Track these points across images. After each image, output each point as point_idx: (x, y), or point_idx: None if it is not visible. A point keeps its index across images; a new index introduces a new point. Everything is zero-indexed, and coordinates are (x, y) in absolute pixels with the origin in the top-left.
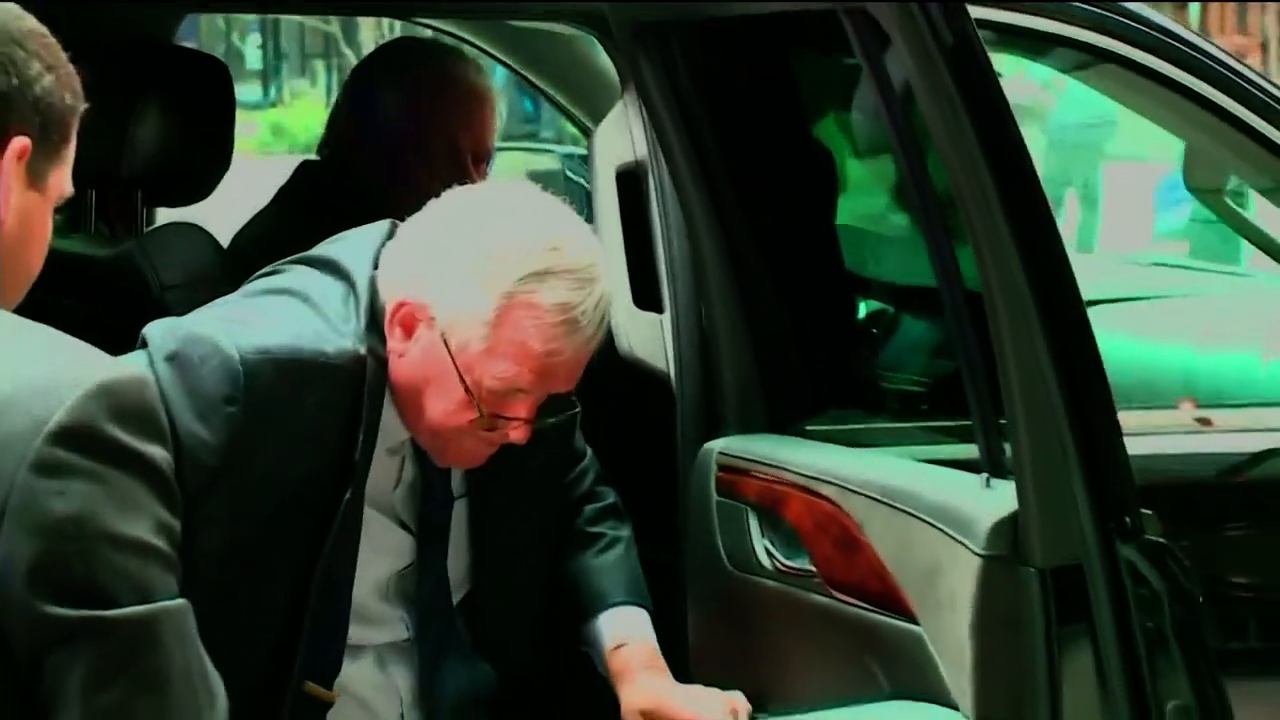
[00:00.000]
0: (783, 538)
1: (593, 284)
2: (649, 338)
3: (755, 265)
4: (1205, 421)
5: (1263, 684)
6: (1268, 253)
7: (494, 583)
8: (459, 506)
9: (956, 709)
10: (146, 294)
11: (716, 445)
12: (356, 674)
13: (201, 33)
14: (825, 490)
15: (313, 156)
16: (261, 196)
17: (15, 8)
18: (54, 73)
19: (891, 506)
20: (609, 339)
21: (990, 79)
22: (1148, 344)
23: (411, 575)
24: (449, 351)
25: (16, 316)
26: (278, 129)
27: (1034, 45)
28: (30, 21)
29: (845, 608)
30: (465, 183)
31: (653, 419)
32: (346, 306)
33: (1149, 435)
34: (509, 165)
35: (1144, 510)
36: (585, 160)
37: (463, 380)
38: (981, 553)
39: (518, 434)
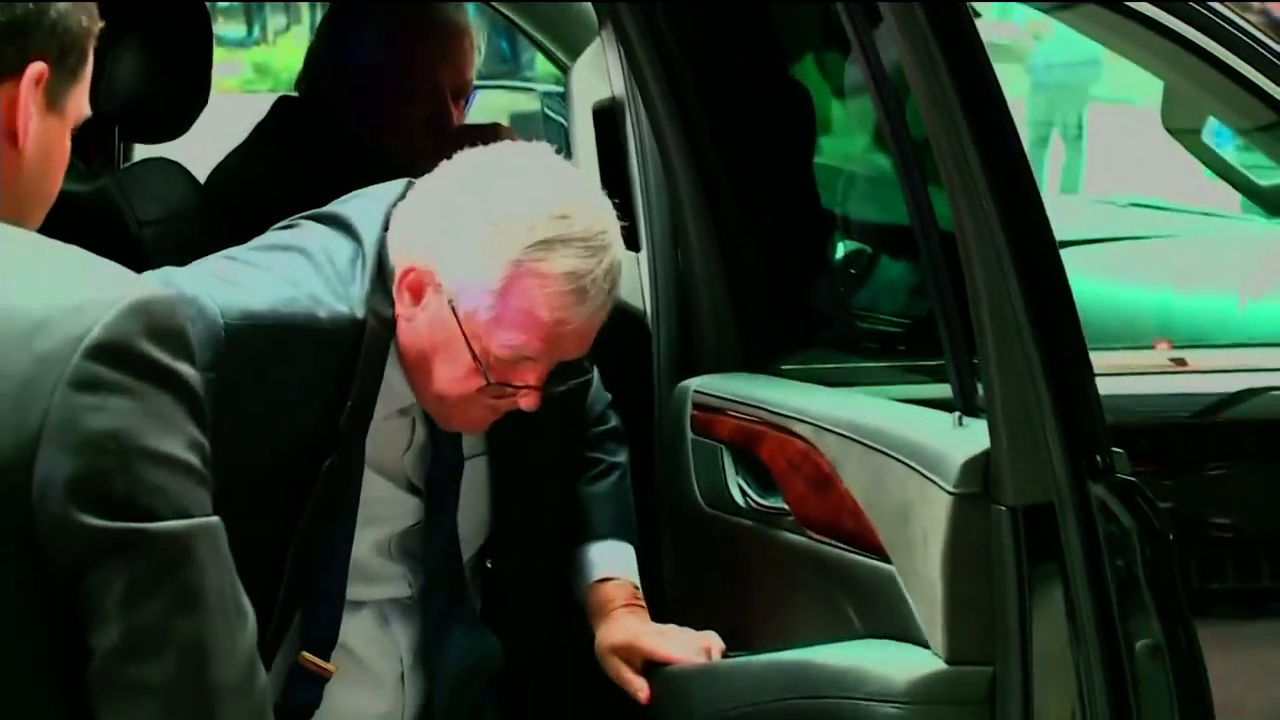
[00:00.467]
0: (757, 476)
1: (603, 252)
2: (626, 276)
3: (732, 204)
4: (1180, 362)
5: (1238, 626)
6: (1244, 193)
7: (509, 541)
8: (474, 465)
9: (928, 647)
10: (124, 230)
11: (692, 384)
12: (354, 631)
13: None
14: (799, 429)
15: (292, 93)
16: (245, 136)
17: None
18: None
19: (864, 445)
20: None
21: (965, 19)
22: (1125, 285)
23: (416, 534)
24: (457, 319)
25: (42, 237)
26: (262, 68)
27: None
28: None
29: (818, 546)
30: (444, 119)
31: (629, 357)
32: (353, 268)
33: (1125, 376)
34: (489, 104)
35: (1115, 449)
36: (564, 98)
37: (470, 348)
38: (953, 491)
39: (527, 401)
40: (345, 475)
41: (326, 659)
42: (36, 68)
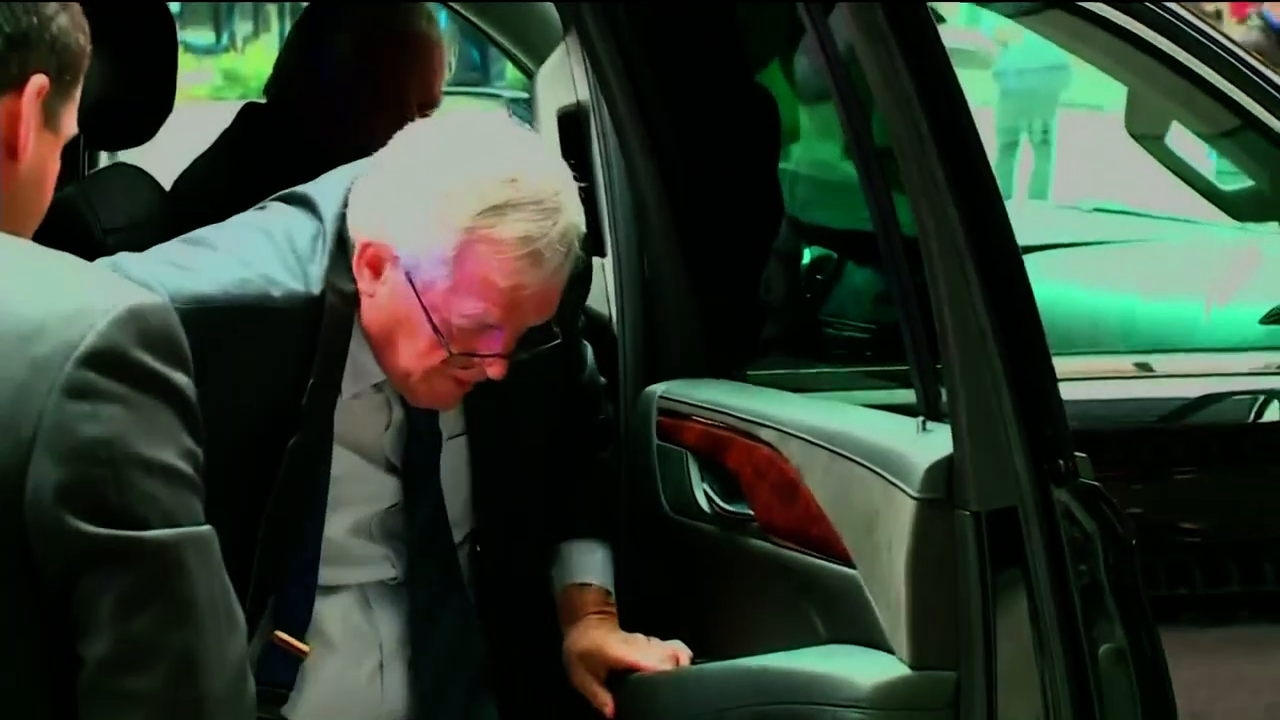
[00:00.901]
0: (722, 483)
1: (556, 214)
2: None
3: (697, 210)
4: (1146, 368)
5: (1205, 633)
6: (1210, 199)
7: (492, 524)
8: (459, 444)
9: (893, 653)
10: (89, 237)
11: (657, 389)
12: (331, 616)
13: None
14: (764, 435)
15: (259, 100)
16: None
17: None
18: (68, 12)
19: (829, 451)
20: None
21: (927, 24)
22: (1090, 291)
23: (397, 515)
24: (415, 292)
25: (38, 245)
26: (231, 75)
27: None
28: None
29: (784, 553)
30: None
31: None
32: (314, 246)
33: (1090, 381)
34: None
35: (1078, 454)
36: (529, 105)
37: (430, 320)
38: (917, 496)
39: (494, 370)
40: (312, 454)
41: (301, 639)
42: (38, 81)
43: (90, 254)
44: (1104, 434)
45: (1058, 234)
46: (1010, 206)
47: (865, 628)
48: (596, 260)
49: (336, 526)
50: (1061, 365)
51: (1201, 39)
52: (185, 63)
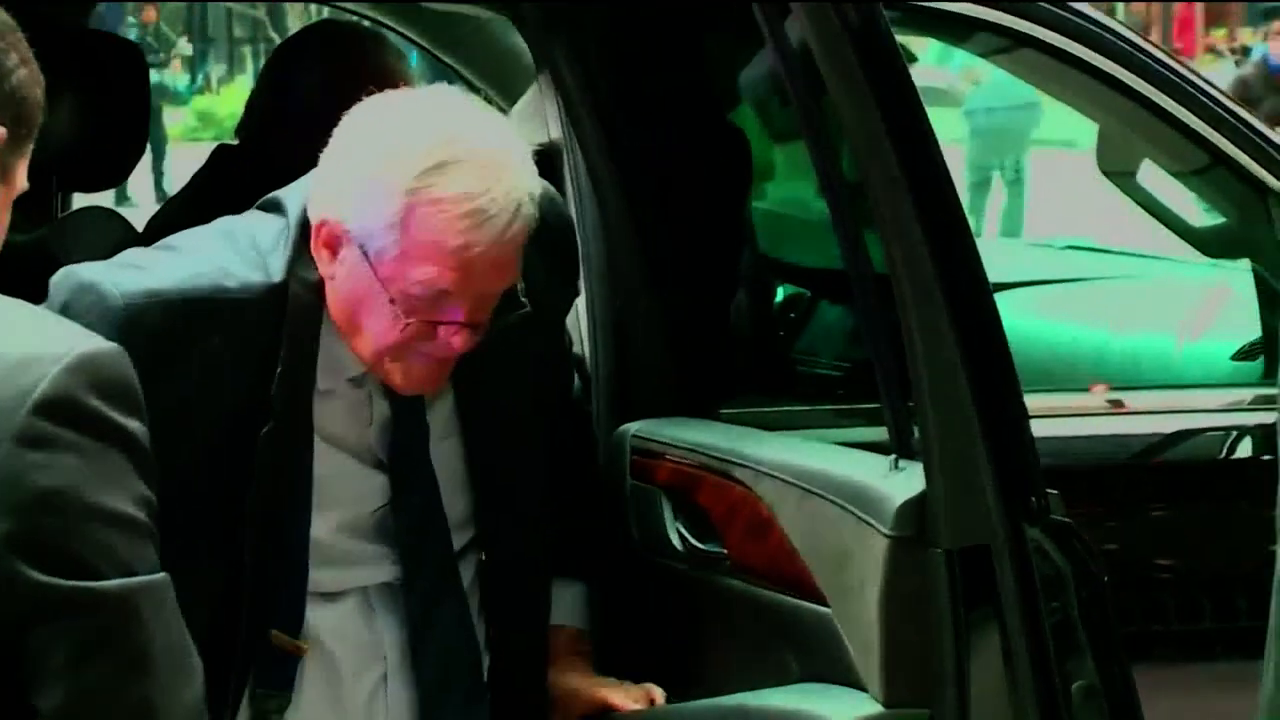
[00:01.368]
0: (695, 521)
1: (499, 170)
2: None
3: (669, 249)
4: (1118, 404)
5: (1176, 669)
6: (1180, 235)
7: (500, 526)
8: (452, 445)
9: (866, 691)
10: None
11: (631, 428)
12: (329, 626)
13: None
14: (737, 473)
15: (231, 141)
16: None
17: None
18: (27, 67)
19: (801, 489)
20: None
21: (897, 62)
22: (1062, 327)
23: (387, 513)
24: (369, 264)
25: None
26: (205, 115)
27: (954, 30)
28: (3, 14)
29: (757, 592)
30: None
31: None
32: (277, 240)
33: (1063, 418)
34: None
35: (1050, 491)
36: None
37: (387, 291)
38: (889, 534)
39: (459, 340)
40: (287, 446)
41: (296, 636)
42: None
43: None
44: (1076, 471)
45: (1031, 271)
46: (983, 244)
47: (838, 666)
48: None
49: (327, 526)
50: (1034, 402)
51: (1173, 77)
52: (162, 107)
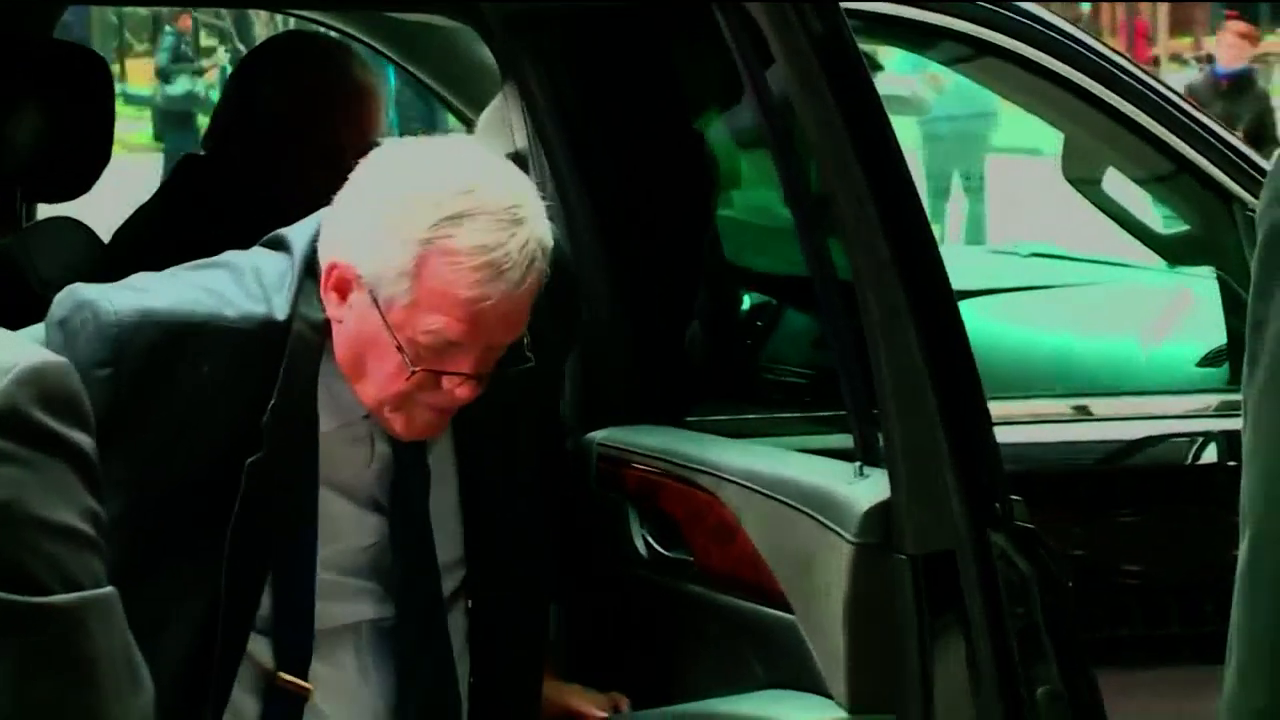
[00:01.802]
0: (661, 528)
1: (516, 226)
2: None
3: (635, 256)
4: (1083, 410)
5: (1143, 674)
6: (1145, 242)
7: (488, 572)
8: (449, 485)
9: (830, 697)
10: (26, 289)
11: (596, 436)
12: (324, 678)
13: (93, 29)
14: (702, 480)
15: (198, 151)
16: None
17: None
18: None
19: (766, 496)
20: None
21: (860, 69)
22: (1027, 334)
23: (382, 552)
24: (379, 310)
25: None
26: None
27: (916, 38)
28: None
29: (723, 598)
30: (346, 177)
31: None
32: (282, 279)
33: (1028, 424)
34: None
35: (1014, 497)
36: None
37: (395, 338)
38: (854, 540)
39: (463, 391)
40: (272, 477)
41: (304, 677)
42: None
43: (28, 305)
44: (1042, 476)
45: (996, 278)
46: (947, 251)
47: (804, 672)
48: None
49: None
50: (999, 408)
51: (1138, 85)
52: (124, 111)
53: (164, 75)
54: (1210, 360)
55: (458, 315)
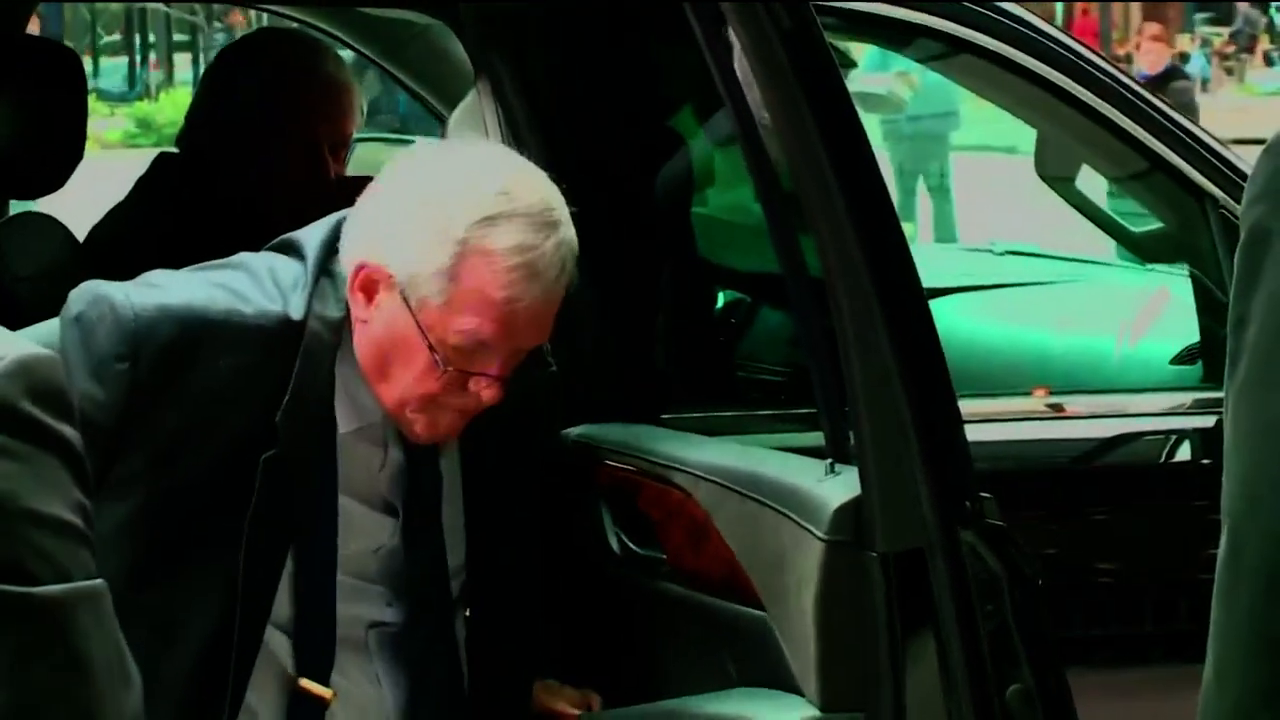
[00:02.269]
0: (634, 526)
1: (550, 228)
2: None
3: (609, 254)
4: (1058, 408)
5: (1116, 673)
6: (1120, 240)
7: (483, 578)
8: (455, 496)
9: (802, 695)
10: None
11: (570, 433)
12: (335, 677)
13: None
14: (675, 478)
15: (172, 149)
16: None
17: None
18: None
19: (738, 493)
20: None
21: (829, 66)
22: (1002, 332)
23: (391, 555)
24: (410, 311)
25: None
26: (144, 122)
27: (893, 36)
28: None
29: (696, 596)
30: (323, 174)
31: None
32: (298, 280)
33: (1003, 422)
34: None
35: (984, 495)
36: None
37: (426, 339)
38: (824, 537)
39: (489, 394)
40: (286, 474)
41: (325, 683)
42: None
43: (0, 301)
44: (1013, 475)
45: (969, 276)
46: (920, 250)
47: (775, 670)
48: None
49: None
50: (974, 407)
51: (1109, 81)
52: (97, 109)
53: None
54: (1184, 358)
55: (491, 316)
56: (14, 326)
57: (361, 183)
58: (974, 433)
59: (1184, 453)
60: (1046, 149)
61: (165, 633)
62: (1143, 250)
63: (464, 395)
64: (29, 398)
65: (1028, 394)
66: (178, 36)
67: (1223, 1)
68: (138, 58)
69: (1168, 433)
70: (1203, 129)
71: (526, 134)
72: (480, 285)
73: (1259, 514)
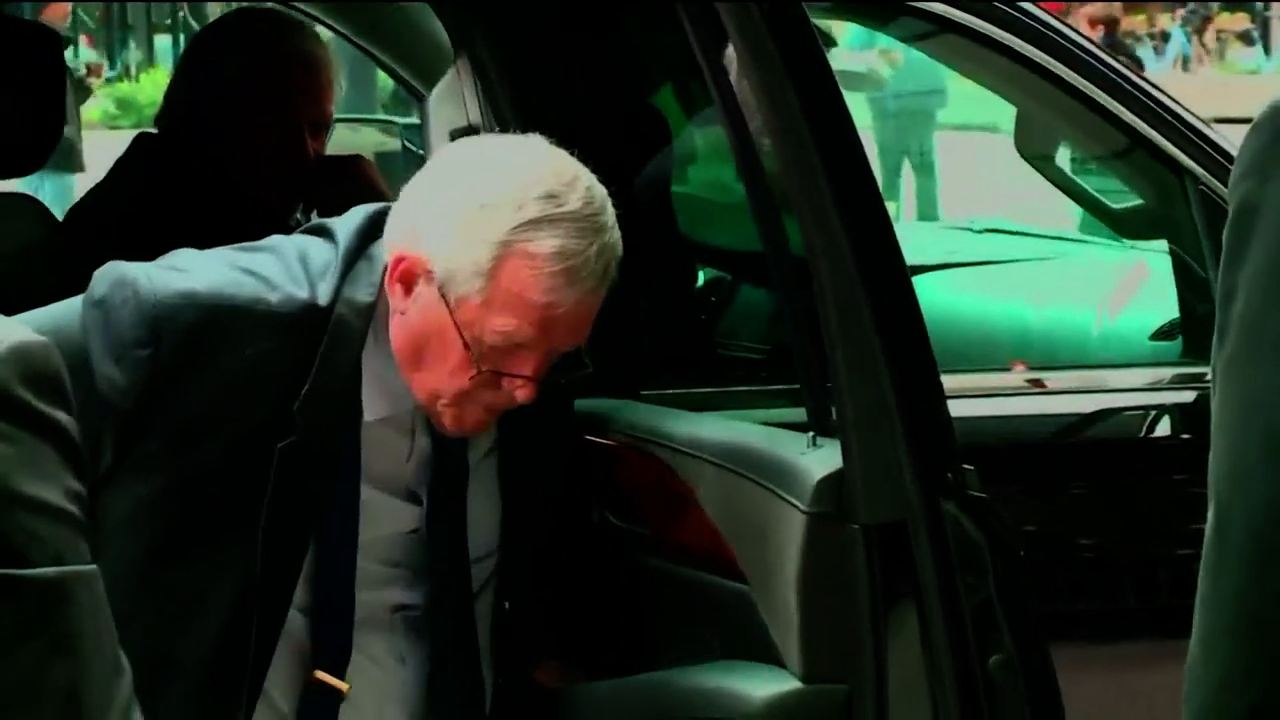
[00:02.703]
0: (616, 500)
1: (594, 234)
2: None
3: None
4: (1038, 383)
5: (1099, 648)
6: (1099, 217)
7: (519, 564)
8: (488, 487)
9: (784, 667)
10: None
11: None
12: (359, 658)
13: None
14: (657, 452)
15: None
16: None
17: None
18: None
19: (721, 467)
20: None
21: (813, 44)
22: (982, 308)
23: (412, 543)
24: (448, 306)
25: None
26: (124, 103)
27: (875, 14)
28: None
29: (678, 570)
30: (302, 153)
31: None
32: (328, 265)
33: (984, 397)
34: (351, 141)
35: (966, 466)
36: (421, 128)
37: (462, 336)
38: (807, 510)
39: (523, 393)
40: (305, 462)
41: (341, 676)
42: None
43: None
44: (995, 449)
45: (950, 253)
46: (902, 228)
47: (757, 643)
48: None
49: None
50: (955, 382)
51: (1092, 60)
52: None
53: None
54: (1164, 334)
55: (530, 319)
56: None
57: (341, 162)
58: (952, 409)
59: (1164, 427)
60: (1026, 126)
61: (184, 616)
62: (1122, 226)
63: (498, 394)
64: (23, 383)
65: (1007, 369)
66: (156, 18)
67: None
68: (116, 37)
69: (1147, 407)
70: (1183, 106)
71: (507, 111)
72: (520, 288)
73: (1245, 489)
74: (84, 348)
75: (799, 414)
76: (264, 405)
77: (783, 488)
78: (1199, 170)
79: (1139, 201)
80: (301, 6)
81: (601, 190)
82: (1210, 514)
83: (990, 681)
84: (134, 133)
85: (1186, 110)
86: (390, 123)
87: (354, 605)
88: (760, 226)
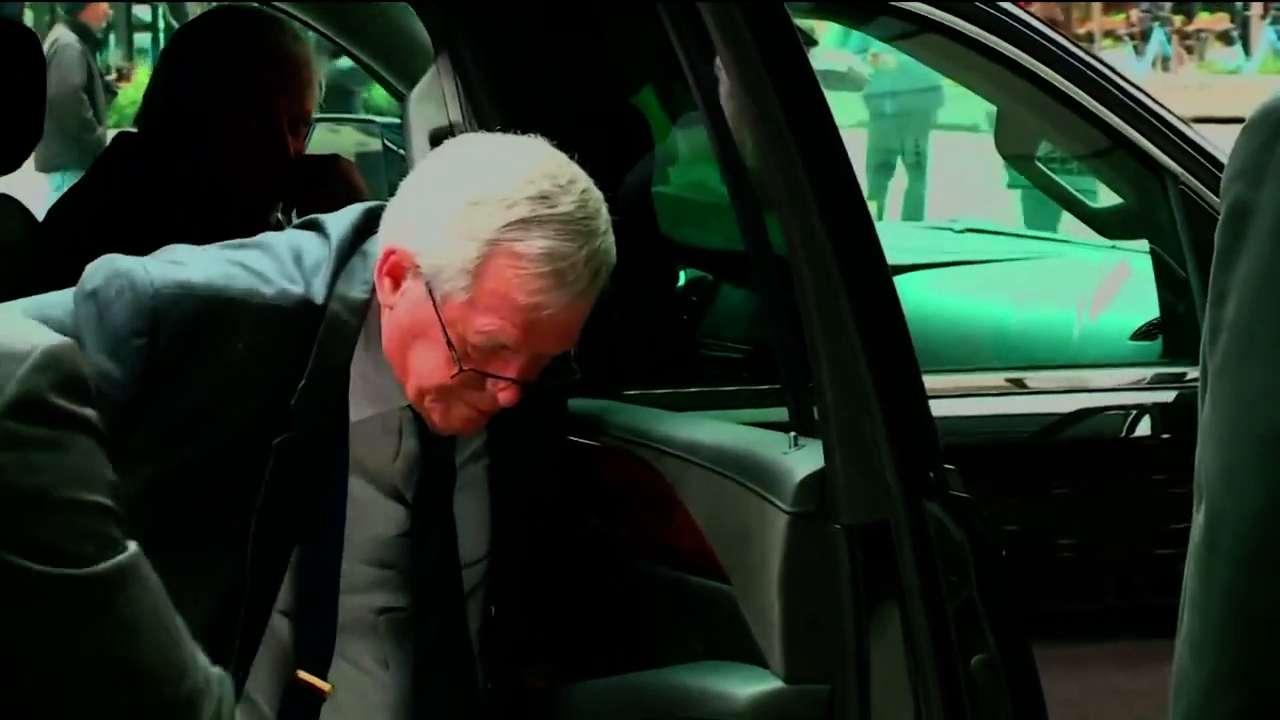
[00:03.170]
0: (598, 500)
1: (584, 237)
2: None
3: None
4: (1019, 383)
5: (1081, 647)
6: (1080, 217)
7: (509, 568)
8: (477, 491)
9: (767, 667)
10: None
11: None
12: (342, 662)
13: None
14: (640, 453)
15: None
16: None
17: None
18: None
19: (703, 467)
20: None
21: (795, 44)
22: (963, 308)
23: (400, 545)
24: (434, 302)
25: None
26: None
27: (856, 14)
28: None
29: (660, 570)
30: (282, 151)
31: None
32: (320, 262)
33: (965, 397)
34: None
35: (948, 466)
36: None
37: (446, 334)
38: (789, 510)
39: (505, 396)
40: (300, 458)
41: (323, 676)
42: None
43: None
44: (976, 449)
45: (931, 253)
46: (883, 227)
47: (741, 643)
48: None
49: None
50: (937, 382)
51: (1070, 59)
52: None
53: None
54: (1144, 334)
55: (514, 320)
56: None
57: (321, 162)
58: (933, 409)
59: (1144, 427)
60: (1007, 126)
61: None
62: (1103, 226)
63: (482, 394)
64: (55, 390)
65: (989, 369)
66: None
67: None
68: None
69: (1128, 407)
70: (1163, 106)
71: (487, 110)
72: (506, 288)
73: (1236, 490)
74: (76, 340)
75: (781, 414)
76: (257, 400)
77: (765, 488)
78: (1180, 170)
79: (1120, 202)
80: (281, 6)
81: (598, 195)
82: (1200, 515)
83: (973, 681)
84: (113, 131)
85: (1167, 110)
86: (368, 121)
87: (337, 604)
88: (742, 226)
